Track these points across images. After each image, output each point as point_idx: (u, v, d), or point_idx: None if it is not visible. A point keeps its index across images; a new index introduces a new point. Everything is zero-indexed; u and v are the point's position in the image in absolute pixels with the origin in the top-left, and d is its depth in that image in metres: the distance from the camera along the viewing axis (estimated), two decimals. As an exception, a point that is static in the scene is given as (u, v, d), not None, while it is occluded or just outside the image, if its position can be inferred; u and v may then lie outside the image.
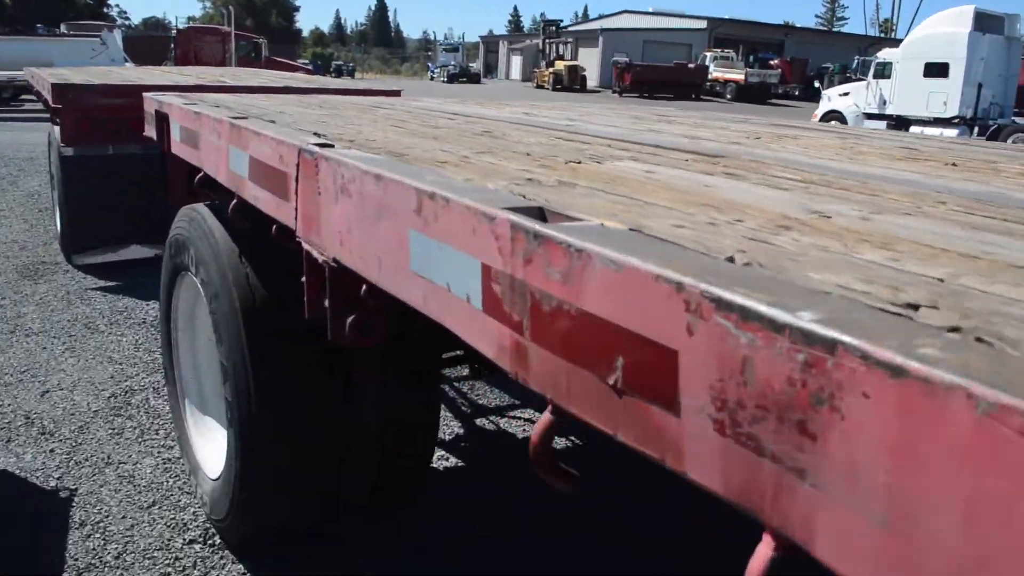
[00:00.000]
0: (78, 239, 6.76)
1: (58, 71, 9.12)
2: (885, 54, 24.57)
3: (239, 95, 4.53)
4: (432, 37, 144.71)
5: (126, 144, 6.61)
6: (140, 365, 5.08)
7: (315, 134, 2.27)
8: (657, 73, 51.30)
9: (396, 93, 7.64)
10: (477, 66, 70.82)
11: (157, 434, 4.13)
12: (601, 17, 72.35)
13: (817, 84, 37.28)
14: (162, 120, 3.54)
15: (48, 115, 7.90)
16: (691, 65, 53.99)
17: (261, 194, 2.23)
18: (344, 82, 9.33)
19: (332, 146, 1.94)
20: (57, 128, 6.65)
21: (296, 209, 1.97)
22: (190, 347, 3.50)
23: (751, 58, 57.95)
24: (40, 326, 5.74)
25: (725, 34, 63.11)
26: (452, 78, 60.62)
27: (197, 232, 2.94)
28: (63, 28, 39.54)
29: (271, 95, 5.02)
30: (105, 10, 73.59)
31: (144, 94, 3.97)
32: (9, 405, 4.46)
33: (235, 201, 2.58)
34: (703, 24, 63.61)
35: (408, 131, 2.70)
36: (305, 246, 1.94)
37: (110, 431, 4.16)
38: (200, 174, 3.00)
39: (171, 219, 7.03)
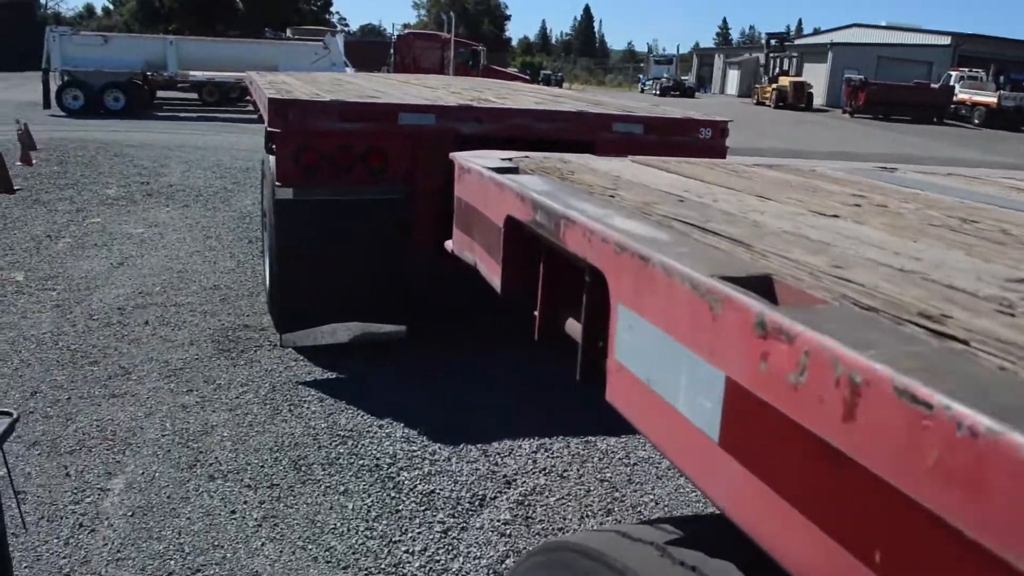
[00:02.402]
0: (292, 313, 4.93)
1: (279, 79, 7.52)
2: None
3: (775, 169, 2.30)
4: (637, 48, 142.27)
5: (362, 185, 4.75)
6: (376, 579, 3.09)
7: None
8: (895, 93, 46.65)
9: (723, 125, 5.41)
10: (690, 79, 67.66)
11: None
12: (829, 31, 67.23)
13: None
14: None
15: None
16: (934, 85, 48.89)
17: None
18: (619, 101, 7.17)
19: None
20: (272, 159, 4.87)
21: None
22: None
23: (1000, 79, 51.90)
24: (231, 457, 3.91)
25: (971, 51, 56.79)
26: (664, 91, 57.85)
27: None
28: (288, 33, 40.28)
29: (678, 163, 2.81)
30: (327, 16, 76.14)
31: (458, 157, 1.90)
32: (161, 673, 2.56)
33: None
34: (946, 40, 57.55)
35: None
36: None
37: None
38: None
39: (417, 287, 5.12)
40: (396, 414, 4.39)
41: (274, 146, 4.73)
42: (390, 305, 4.99)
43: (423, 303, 5.55)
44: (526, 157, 1.95)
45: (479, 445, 4.14)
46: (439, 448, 4.08)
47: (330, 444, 4.07)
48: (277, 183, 4.62)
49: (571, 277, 1.30)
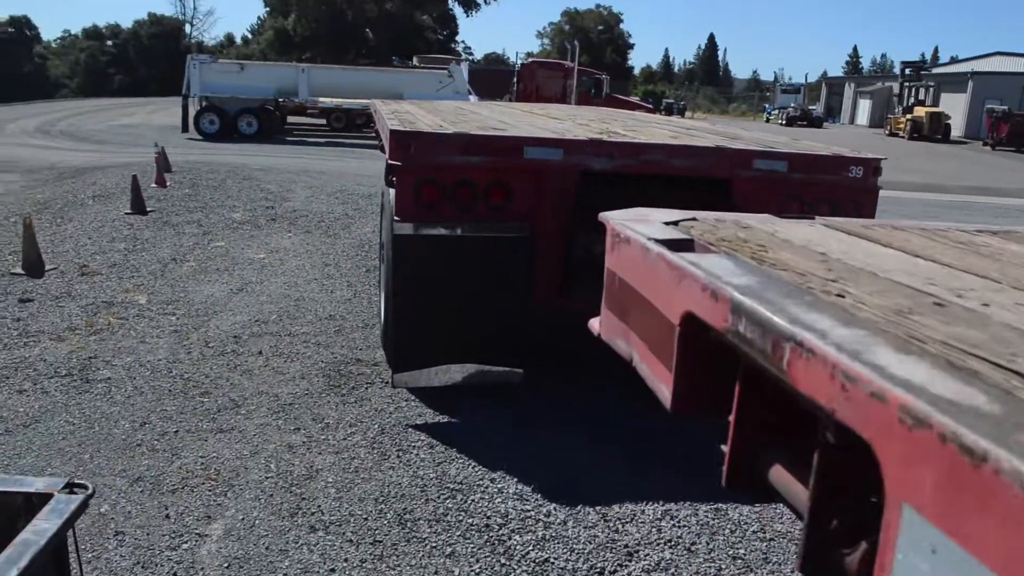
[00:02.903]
0: (405, 352, 4.69)
1: (402, 108, 7.43)
2: None
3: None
4: (762, 77, 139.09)
5: (484, 222, 4.50)
6: (481, 666, 2.79)
7: None
8: (1042, 125, 43.97)
9: (876, 163, 4.96)
10: (818, 109, 65.56)
11: None
12: (969, 59, 64.02)
13: None
14: None
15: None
16: (1086, 117, 45.88)
17: None
18: (756, 134, 6.76)
19: None
20: (392, 192, 4.69)
21: None
22: None
23: None
24: (334, 507, 3.69)
25: None
26: (791, 121, 56.25)
27: None
28: (415, 61, 41.11)
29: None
30: (453, 45, 77.52)
31: (612, 220, 1.56)
32: None
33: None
34: (1101, 69, 54.02)
35: None
36: None
37: None
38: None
39: (537, 329, 4.77)
40: (509, 466, 4.09)
41: (394, 179, 4.55)
42: (508, 347, 4.71)
43: (542, 345, 5.26)
44: (693, 220, 1.59)
45: (598, 508, 3.79)
46: (554, 509, 3.76)
47: (438, 498, 3.80)
48: (396, 218, 4.42)
49: (784, 408, 0.95)
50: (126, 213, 10.33)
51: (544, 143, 4.54)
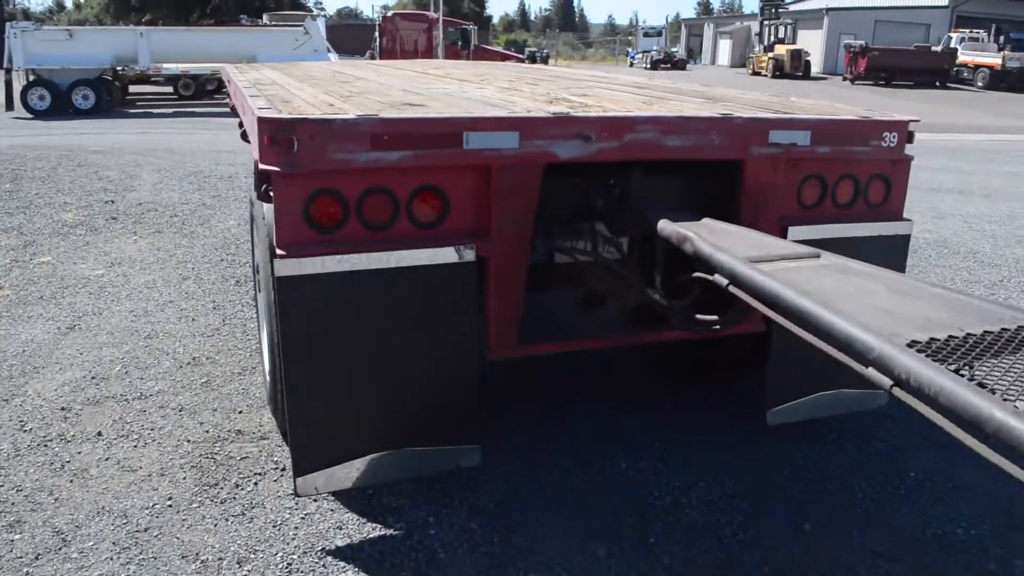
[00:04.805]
0: (310, 445, 3.16)
1: (264, 75, 5.81)
2: None
3: None
4: (620, 22, 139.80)
5: (408, 247, 3.07)
6: None
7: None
8: (897, 58, 45.41)
9: (910, 126, 3.81)
10: (680, 51, 65.58)
11: None
12: (822, -5, 65.22)
13: None
14: None
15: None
16: (936, 48, 47.63)
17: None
18: (744, 93, 5.55)
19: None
20: (267, 207, 3.19)
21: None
22: None
23: (1001, 39, 50.42)
24: None
25: (969, 12, 55.34)
26: (655, 64, 56.04)
27: None
28: (265, 19, 38.33)
29: None
30: (303, 1, 73.55)
31: None
32: None
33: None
34: (945, 1, 55.99)
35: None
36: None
37: None
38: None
39: (492, 387, 3.24)
40: (489, 621, 2.76)
41: (271, 192, 3.05)
42: (455, 417, 3.33)
43: (502, 410, 3.91)
44: None
45: None
46: None
47: None
48: (279, 251, 2.94)
49: None
50: (-76, 224, 8.32)
51: (493, 125, 3.12)
